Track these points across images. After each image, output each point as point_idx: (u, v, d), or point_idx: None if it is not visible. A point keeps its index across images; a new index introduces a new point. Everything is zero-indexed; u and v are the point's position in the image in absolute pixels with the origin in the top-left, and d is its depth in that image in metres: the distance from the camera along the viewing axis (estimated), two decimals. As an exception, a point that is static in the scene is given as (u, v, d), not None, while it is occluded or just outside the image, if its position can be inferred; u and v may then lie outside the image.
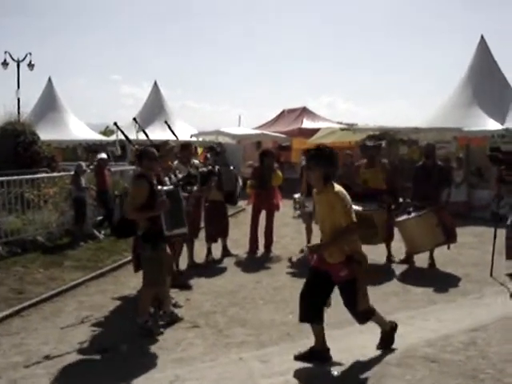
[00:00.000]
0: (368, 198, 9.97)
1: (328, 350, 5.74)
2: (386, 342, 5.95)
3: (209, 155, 11.06)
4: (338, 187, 5.53)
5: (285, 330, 6.63)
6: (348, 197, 5.54)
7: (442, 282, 8.82)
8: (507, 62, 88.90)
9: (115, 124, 8.73)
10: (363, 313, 5.70)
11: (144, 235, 6.44)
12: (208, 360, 5.78)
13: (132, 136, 8.26)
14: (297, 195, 11.32)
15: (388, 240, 10.14)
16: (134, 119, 8.88)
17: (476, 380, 5.24)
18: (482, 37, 21.67)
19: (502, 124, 18.24)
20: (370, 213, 9.79)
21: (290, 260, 10.63)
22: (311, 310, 5.73)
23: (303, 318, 5.79)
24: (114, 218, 6.88)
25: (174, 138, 9.12)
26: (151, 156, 6.53)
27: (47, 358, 5.90)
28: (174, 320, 6.94)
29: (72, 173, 12.68)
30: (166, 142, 8.26)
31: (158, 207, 6.33)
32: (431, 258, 9.80)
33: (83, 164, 12.79)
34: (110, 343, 6.28)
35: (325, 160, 5.52)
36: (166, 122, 9.86)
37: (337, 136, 21.94)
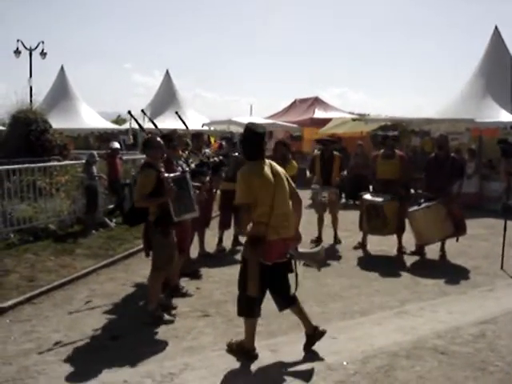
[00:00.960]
0: (382, 189, 10.01)
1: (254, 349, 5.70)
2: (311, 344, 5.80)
3: (224, 143, 11.05)
4: (243, 168, 5.54)
5: (294, 319, 6.59)
6: (249, 177, 5.43)
7: (452, 273, 8.82)
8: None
9: (129, 112, 8.76)
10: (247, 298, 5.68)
11: (155, 221, 6.52)
12: (218, 349, 5.81)
13: (144, 125, 8.30)
14: (314, 186, 11.26)
15: (399, 231, 10.13)
16: (142, 111, 8.88)
17: (485, 372, 5.24)
18: (496, 27, 21.46)
19: (516, 116, 18.08)
20: (380, 203, 9.82)
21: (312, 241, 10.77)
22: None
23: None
24: (124, 207, 6.94)
25: (185, 128, 9.12)
26: (155, 145, 6.60)
27: (58, 344, 5.94)
28: (184, 294, 7.35)
29: (84, 161, 12.72)
30: (173, 131, 8.26)
31: (166, 194, 6.42)
32: (442, 249, 9.79)
33: (95, 153, 12.80)
34: (120, 331, 6.33)
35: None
36: (176, 113, 9.86)
37: (348, 126, 21.85)
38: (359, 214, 10.50)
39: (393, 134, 11.34)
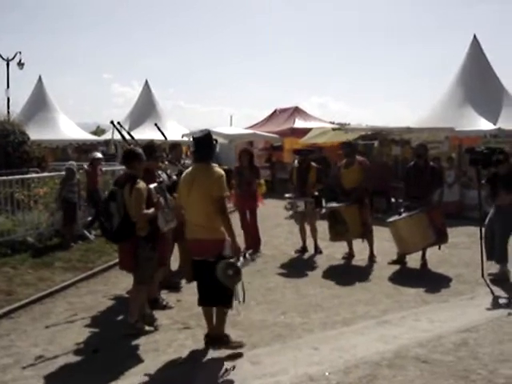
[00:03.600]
0: (343, 197, 10.24)
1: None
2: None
3: None
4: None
5: (276, 330, 6.60)
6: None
7: (434, 282, 8.82)
8: (500, 61, 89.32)
9: (112, 122, 8.69)
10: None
11: (147, 236, 6.47)
12: (199, 361, 5.75)
13: (116, 136, 8.26)
14: (287, 195, 11.34)
15: (364, 236, 10.26)
16: (118, 123, 8.75)
17: (467, 380, 5.23)
18: (475, 36, 21.65)
19: (495, 124, 18.21)
20: (337, 208, 10.05)
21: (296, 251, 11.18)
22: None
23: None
24: (113, 224, 6.60)
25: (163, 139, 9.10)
26: (139, 157, 6.55)
27: (37, 359, 5.84)
28: (164, 307, 7.37)
29: (63, 173, 12.56)
30: (150, 142, 8.21)
31: (158, 205, 6.48)
32: (423, 258, 9.80)
33: (74, 166, 12.55)
34: (100, 344, 6.24)
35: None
36: (155, 125, 9.85)
37: (329, 136, 21.88)
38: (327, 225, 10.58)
39: (348, 141, 11.43)
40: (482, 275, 8.92)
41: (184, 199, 6.00)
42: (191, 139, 6.21)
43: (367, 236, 10.32)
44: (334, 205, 10.26)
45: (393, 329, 6.61)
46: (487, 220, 9.34)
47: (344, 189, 10.39)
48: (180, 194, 6.12)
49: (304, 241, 11.28)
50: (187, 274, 6.28)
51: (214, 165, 6.01)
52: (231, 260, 5.75)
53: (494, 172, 9.12)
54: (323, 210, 10.98)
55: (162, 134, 9.04)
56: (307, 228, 11.28)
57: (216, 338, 5.99)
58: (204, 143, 5.97)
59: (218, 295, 5.87)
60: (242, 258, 5.88)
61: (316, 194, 11.09)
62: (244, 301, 5.94)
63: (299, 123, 27.17)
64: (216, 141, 6.20)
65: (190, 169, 6.15)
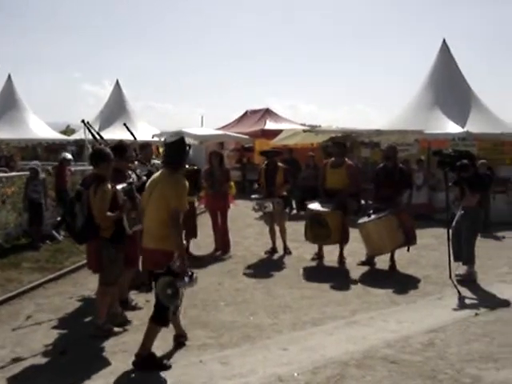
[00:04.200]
0: (330, 198, 10.07)
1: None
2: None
3: None
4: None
5: (246, 331, 6.60)
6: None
7: (402, 283, 8.90)
8: (469, 65, 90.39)
9: (83, 121, 8.62)
10: None
11: (112, 237, 6.39)
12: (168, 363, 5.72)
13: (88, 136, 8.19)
14: (254, 196, 11.40)
15: (343, 242, 10.23)
16: (87, 122, 8.68)
17: (434, 380, 5.28)
18: (444, 41, 21.89)
19: (463, 127, 18.43)
20: (323, 212, 9.92)
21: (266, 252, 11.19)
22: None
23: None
24: (76, 224, 6.54)
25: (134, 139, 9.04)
26: (108, 157, 6.48)
27: (4, 361, 5.76)
28: (133, 307, 7.23)
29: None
30: (121, 142, 8.16)
31: (122, 208, 6.37)
32: (392, 259, 9.87)
33: (38, 165, 12.43)
34: (68, 346, 6.18)
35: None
36: (124, 125, 9.80)
37: (299, 138, 22.01)
38: (304, 224, 10.54)
39: (339, 142, 11.43)
40: (450, 276, 9.02)
41: (144, 203, 5.84)
42: (163, 142, 5.94)
43: (346, 242, 10.29)
44: (320, 208, 10.15)
45: (361, 329, 6.65)
46: (454, 222, 9.45)
47: (326, 188, 10.36)
48: (143, 197, 5.97)
49: (274, 242, 11.31)
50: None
51: (188, 167, 5.88)
52: (174, 278, 5.45)
53: (460, 175, 9.22)
54: (294, 211, 11.00)
55: (132, 134, 8.98)
56: (277, 229, 11.30)
57: (141, 357, 5.58)
58: (175, 148, 5.71)
59: (156, 310, 5.65)
60: (187, 279, 5.48)
61: (285, 193, 11.14)
62: (168, 326, 5.75)
63: (270, 125, 27.28)
64: (189, 146, 5.98)
65: (157, 173, 5.95)
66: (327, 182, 10.35)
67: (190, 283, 5.55)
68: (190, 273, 5.55)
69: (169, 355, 5.89)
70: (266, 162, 11.47)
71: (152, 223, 5.63)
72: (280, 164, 11.40)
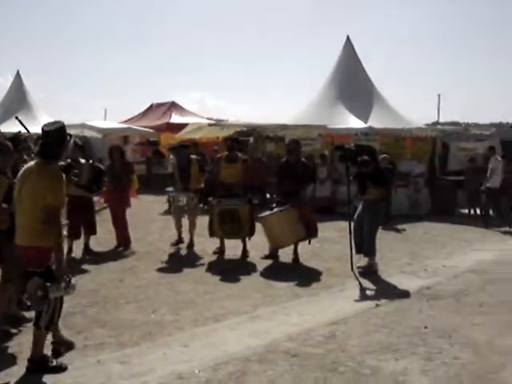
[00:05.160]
0: (226, 193, 10.09)
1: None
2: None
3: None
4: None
5: (146, 329, 6.44)
6: None
7: (305, 276, 8.97)
8: (372, 62, 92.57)
9: (17, 118, 8.29)
10: None
11: (7, 230, 6.03)
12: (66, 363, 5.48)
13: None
14: (169, 189, 11.24)
15: (250, 234, 10.26)
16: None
17: (335, 373, 5.31)
18: (348, 38, 22.21)
19: (366, 122, 18.81)
20: (235, 208, 9.89)
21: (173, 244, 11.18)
22: None
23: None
24: None
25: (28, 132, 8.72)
26: (6, 149, 6.20)
27: None
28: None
29: None
30: (17, 134, 7.84)
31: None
32: (295, 253, 9.94)
33: None
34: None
35: None
36: (16, 118, 9.43)
37: (205, 131, 21.97)
38: (208, 220, 10.45)
39: (236, 138, 11.44)
40: (352, 268, 9.18)
41: (15, 196, 5.35)
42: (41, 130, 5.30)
43: (252, 234, 10.31)
44: (232, 204, 10.03)
45: (264, 323, 6.63)
46: (356, 215, 9.62)
47: (223, 183, 10.34)
48: (14, 189, 5.41)
49: (179, 232, 11.22)
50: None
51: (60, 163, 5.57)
52: (45, 281, 5.06)
53: (360, 170, 9.39)
54: (206, 207, 10.94)
55: (24, 127, 8.65)
56: (185, 223, 11.18)
57: (34, 362, 5.30)
58: (53, 137, 5.22)
59: (36, 313, 5.35)
60: (63, 284, 5.15)
61: (201, 186, 11.11)
62: (47, 329, 5.38)
63: (175, 118, 27.11)
64: (70, 136, 5.47)
65: (30, 163, 5.46)
66: (222, 177, 10.36)
67: (65, 290, 5.21)
68: (68, 278, 5.22)
69: (65, 356, 5.66)
70: (177, 158, 11.33)
71: (24, 217, 5.25)
72: (193, 156, 11.34)
